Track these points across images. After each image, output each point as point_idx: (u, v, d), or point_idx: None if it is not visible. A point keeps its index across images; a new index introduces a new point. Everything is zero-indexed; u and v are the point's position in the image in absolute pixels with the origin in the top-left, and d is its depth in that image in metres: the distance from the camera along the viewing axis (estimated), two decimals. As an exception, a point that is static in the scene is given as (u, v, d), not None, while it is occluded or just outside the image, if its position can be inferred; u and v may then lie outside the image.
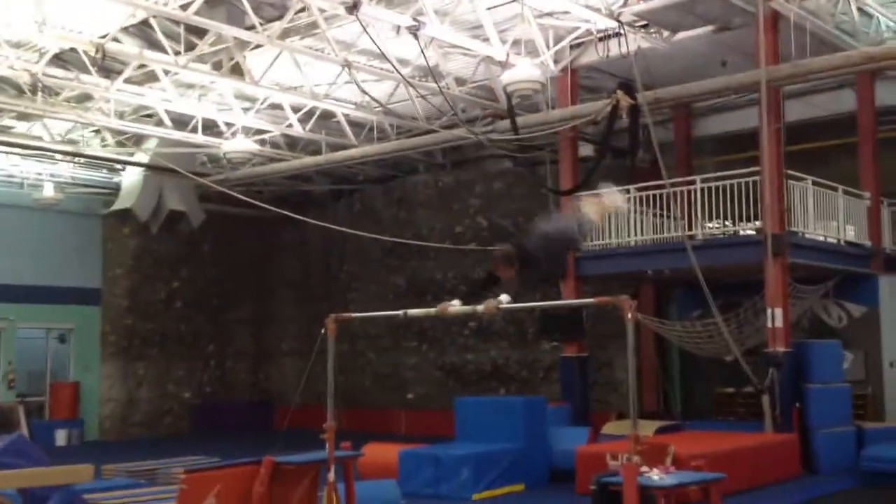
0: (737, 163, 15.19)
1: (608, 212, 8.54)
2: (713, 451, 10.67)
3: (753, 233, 13.77)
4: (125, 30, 13.39)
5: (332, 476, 8.43)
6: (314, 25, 12.99)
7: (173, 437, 21.00)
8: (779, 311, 13.04)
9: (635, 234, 14.86)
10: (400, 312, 8.24)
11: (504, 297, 7.06)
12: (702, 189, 14.04)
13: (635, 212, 14.62)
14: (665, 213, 14.54)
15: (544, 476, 12.45)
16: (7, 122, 17.41)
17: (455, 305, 7.41)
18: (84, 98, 16.19)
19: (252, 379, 24.48)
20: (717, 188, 13.85)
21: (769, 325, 13.12)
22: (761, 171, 13.26)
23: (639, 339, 15.82)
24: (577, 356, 15.33)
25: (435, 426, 17.55)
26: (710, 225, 14.46)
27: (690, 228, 14.16)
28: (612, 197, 8.03)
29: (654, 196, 14.48)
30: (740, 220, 13.79)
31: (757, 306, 13.77)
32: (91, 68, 14.39)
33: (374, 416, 20.81)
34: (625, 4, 12.29)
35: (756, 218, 13.57)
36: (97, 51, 13.02)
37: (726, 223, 14.30)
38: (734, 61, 14.17)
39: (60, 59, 14.62)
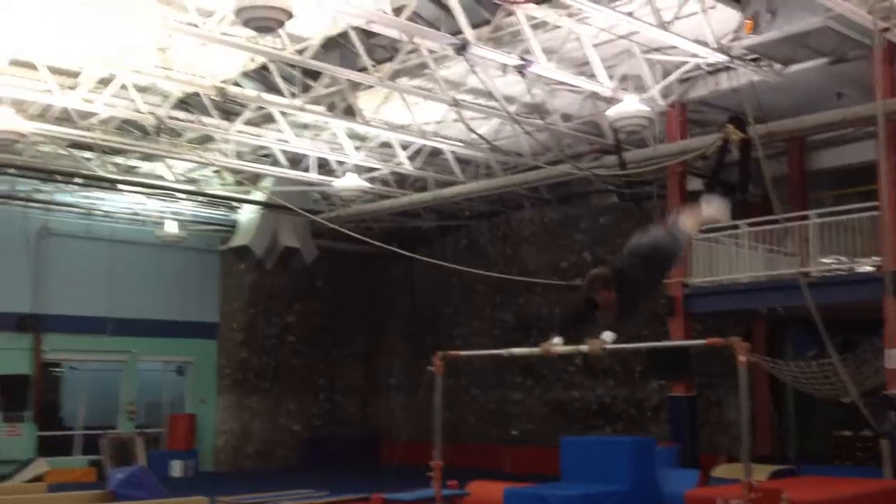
0: (854, 197, 14.75)
1: (707, 223, 8.04)
2: (830, 498, 10.31)
3: (872, 269, 13.30)
4: (245, 74, 14.01)
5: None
6: (423, 66, 13.31)
7: (284, 470, 21.39)
8: (899, 352, 12.54)
9: (747, 271, 14.53)
10: (504, 352, 8.27)
11: (608, 336, 6.70)
12: (817, 224, 13.67)
13: (747, 247, 14.33)
14: (778, 248, 14.20)
15: (653, 519, 12.23)
16: (133, 162, 18.32)
17: (558, 345, 7.10)
18: (205, 139, 16.93)
19: (361, 413, 24.80)
20: (833, 223, 13.46)
21: (889, 366, 12.61)
22: (880, 205, 12.83)
23: (751, 378, 15.39)
24: (686, 395, 15.03)
25: (540, 463, 17.42)
26: (826, 261, 14.04)
27: (805, 265, 13.77)
28: (713, 208, 7.66)
29: (767, 232, 14.16)
30: (858, 256, 13.34)
31: (876, 346, 13.25)
32: (212, 111, 15.12)
33: (478, 451, 20.79)
34: (735, 38, 12.16)
35: (874, 254, 13.11)
36: (219, 94, 13.65)
37: (843, 259, 13.86)
38: (850, 94, 13.82)
39: (184, 103, 15.38)
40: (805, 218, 13.99)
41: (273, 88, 14.22)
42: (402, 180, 19.48)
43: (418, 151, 17.40)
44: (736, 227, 14.70)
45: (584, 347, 6.92)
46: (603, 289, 6.67)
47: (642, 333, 17.56)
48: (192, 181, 19.52)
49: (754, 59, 13.07)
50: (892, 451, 12.43)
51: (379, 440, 23.96)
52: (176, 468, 20.46)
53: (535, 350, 7.51)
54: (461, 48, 11.47)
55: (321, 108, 14.80)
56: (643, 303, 7.09)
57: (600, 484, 11.96)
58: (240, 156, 17.63)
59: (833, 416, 15.95)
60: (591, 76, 13.07)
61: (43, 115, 14.90)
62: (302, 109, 14.26)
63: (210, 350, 22.41)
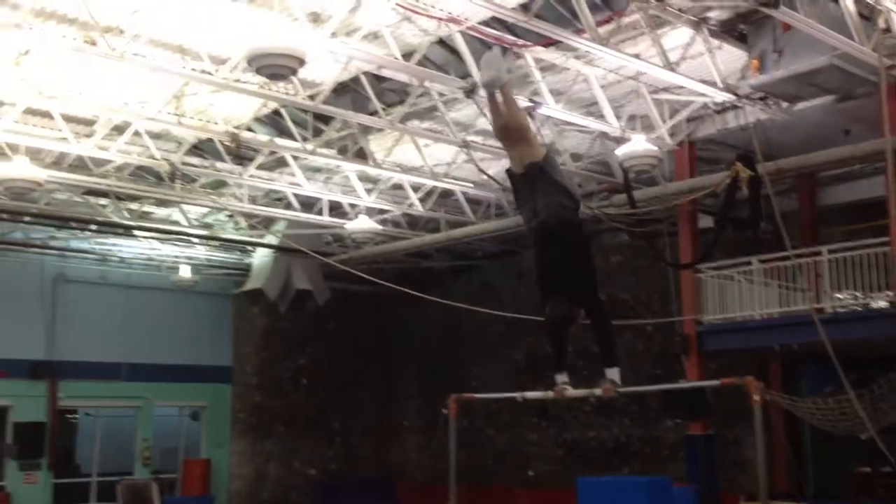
0: (866, 232, 14.72)
1: (518, 117, 6.01)
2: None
3: (886, 305, 13.25)
4: (257, 119, 14.20)
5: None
6: (433, 109, 13.48)
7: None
8: (915, 388, 12.45)
9: (760, 308, 14.50)
10: (518, 395, 8.25)
11: (614, 373, 6.37)
12: (829, 260, 13.65)
13: (759, 284, 14.31)
14: (791, 285, 14.17)
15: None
16: (147, 208, 18.50)
17: (568, 386, 6.82)
18: (219, 184, 17.11)
19: (376, 455, 24.67)
20: (845, 259, 13.44)
21: (906, 401, 12.52)
22: (891, 241, 12.82)
23: (768, 416, 15.26)
24: (703, 434, 14.92)
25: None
26: (840, 296, 13.99)
27: (818, 301, 13.73)
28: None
29: (779, 268, 14.15)
30: (871, 291, 13.30)
31: (893, 382, 13.15)
32: (226, 156, 15.30)
33: (494, 493, 20.64)
34: (742, 77, 12.28)
35: (888, 288, 13.07)
36: (232, 140, 13.84)
37: (856, 294, 13.81)
38: (858, 130, 13.87)
39: (197, 149, 15.57)
40: (817, 254, 13.97)
41: (285, 133, 14.41)
42: (413, 222, 19.59)
43: (429, 193, 17.53)
44: (748, 263, 14.72)
45: (597, 392, 6.85)
46: (571, 323, 6.13)
47: (656, 373, 17.59)
48: (206, 226, 19.68)
49: (761, 98, 13.17)
50: (912, 488, 12.30)
51: (394, 482, 23.81)
52: (192, 514, 20.43)
53: (548, 394, 7.46)
54: (470, 91, 11.63)
55: (333, 152, 14.97)
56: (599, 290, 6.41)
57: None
58: (253, 200, 17.78)
59: (851, 453, 15.78)
60: (600, 116, 13.20)
61: (58, 162, 15.10)
62: (314, 153, 14.41)
63: (224, 394, 22.41)
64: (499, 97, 5.90)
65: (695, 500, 13.97)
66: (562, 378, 6.81)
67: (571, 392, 7.05)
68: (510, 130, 5.97)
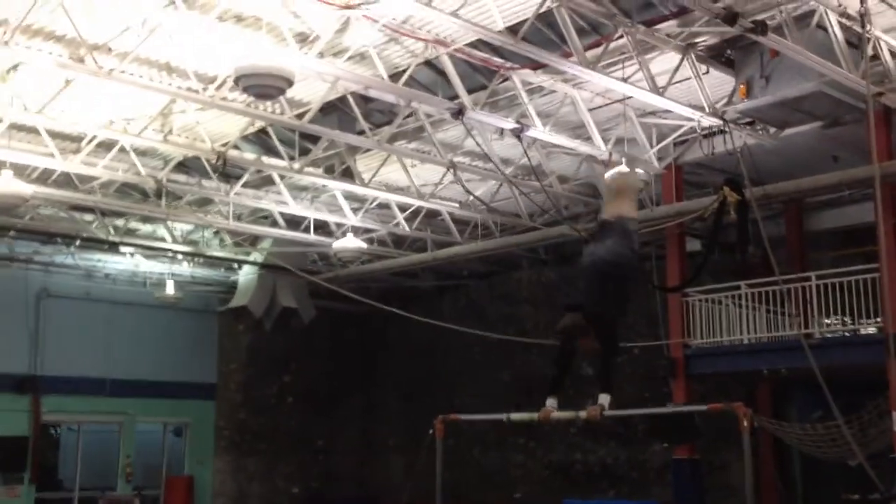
0: (855, 257, 14.75)
1: (635, 194, 7.41)
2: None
3: (874, 331, 13.24)
4: (244, 137, 14.12)
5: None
6: (421, 130, 13.44)
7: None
8: (904, 414, 12.42)
9: (748, 332, 14.48)
10: (503, 417, 8.19)
11: (604, 399, 6.66)
12: (818, 285, 13.64)
13: (748, 308, 14.28)
14: (779, 309, 14.15)
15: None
16: (133, 224, 18.38)
17: (555, 408, 7.00)
18: (204, 202, 17.01)
19: (359, 474, 24.50)
20: (834, 284, 13.43)
21: (895, 428, 12.47)
22: (880, 267, 12.82)
23: (756, 440, 15.23)
24: (690, 458, 14.84)
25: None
26: (828, 322, 13.98)
27: (807, 326, 13.71)
28: (627, 174, 7.33)
29: (767, 293, 14.13)
30: (860, 316, 13.29)
31: (881, 408, 13.13)
32: (212, 174, 15.21)
33: (480, 515, 20.49)
34: (729, 102, 12.27)
35: (877, 314, 13.06)
36: (218, 158, 13.75)
37: (845, 320, 13.80)
38: (847, 156, 13.89)
39: (183, 166, 15.48)
40: (806, 279, 13.96)
41: (272, 151, 14.33)
42: (400, 241, 19.53)
43: (416, 213, 17.46)
44: (737, 287, 14.69)
45: (582, 413, 6.93)
46: (581, 337, 6.65)
47: (643, 395, 17.52)
48: (191, 243, 19.56)
49: (749, 123, 13.19)
50: (901, 514, 12.25)
51: (378, 502, 23.64)
52: (175, 532, 20.23)
53: (533, 416, 7.45)
54: (458, 113, 11.60)
55: (320, 171, 14.90)
56: (619, 326, 6.80)
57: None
58: (239, 217, 17.68)
59: (840, 479, 15.73)
60: (587, 139, 13.17)
61: (44, 178, 14.98)
62: (300, 172, 14.34)
63: (208, 411, 22.24)
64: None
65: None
66: (551, 402, 7.07)
67: (557, 414, 7.13)
68: (625, 191, 7.19)
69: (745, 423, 6.41)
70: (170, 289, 20.76)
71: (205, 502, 21.71)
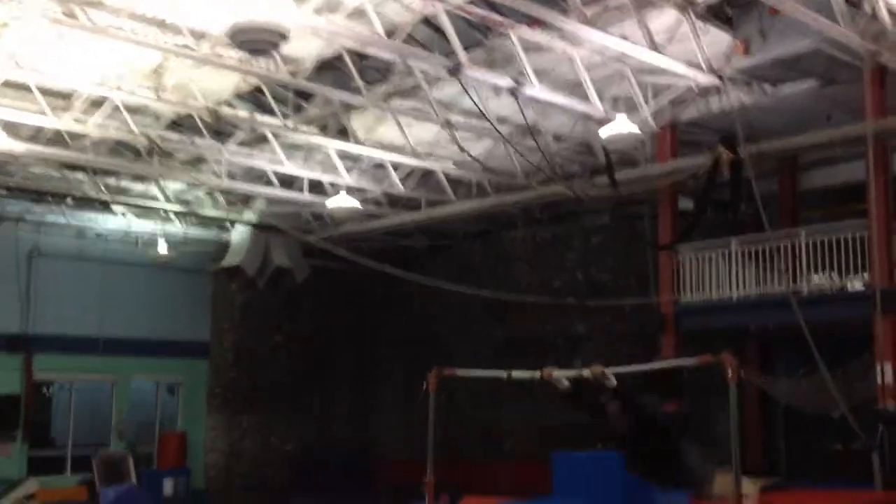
0: (845, 215, 14.85)
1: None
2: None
3: (862, 288, 13.39)
4: (238, 95, 14.04)
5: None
6: (416, 87, 13.38)
7: (276, 489, 21.31)
8: (889, 367, 12.62)
9: (738, 289, 14.61)
10: (504, 373, 8.29)
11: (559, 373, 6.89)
12: (808, 242, 13.76)
13: (737, 265, 14.41)
14: (769, 266, 14.27)
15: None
16: (125, 183, 18.30)
17: (557, 371, 7.25)
18: (197, 160, 16.94)
19: (353, 432, 24.70)
20: (823, 242, 13.55)
21: (879, 381, 12.69)
22: (869, 224, 12.94)
23: (742, 394, 15.45)
24: (678, 412, 15.03)
25: (533, 480, 17.36)
26: (817, 278, 14.12)
27: (796, 282, 13.85)
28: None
29: (758, 250, 14.25)
30: (848, 273, 13.43)
31: (866, 361, 13.34)
32: (205, 132, 15.14)
33: (472, 468, 20.70)
34: (727, 61, 12.27)
35: (864, 270, 13.21)
36: (211, 116, 13.68)
37: (833, 277, 13.93)
38: (839, 116, 13.94)
39: (176, 124, 15.39)
40: (795, 236, 14.08)
41: (266, 110, 14.25)
42: (394, 200, 19.51)
43: (411, 172, 17.45)
44: (726, 243, 14.80)
45: (585, 372, 7.04)
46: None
47: (633, 353, 17.67)
48: (184, 202, 19.51)
49: (745, 82, 13.19)
50: (881, 464, 12.48)
51: (371, 459, 23.89)
52: (168, 486, 20.30)
53: (535, 374, 7.57)
54: (454, 70, 11.56)
55: (314, 130, 14.84)
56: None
57: (592, 498, 11.96)
58: (232, 176, 17.62)
59: (824, 431, 15.99)
60: (584, 98, 13.16)
61: (35, 136, 14.88)
62: (294, 130, 14.29)
63: (201, 369, 22.32)
64: None
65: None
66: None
67: (560, 373, 7.23)
68: None
69: (733, 374, 6.50)
70: (162, 248, 20.75)
71: (198, 458, 21.89)
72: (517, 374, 8.22)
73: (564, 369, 7.46)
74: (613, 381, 6.83)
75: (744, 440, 15.56)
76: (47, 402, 22.10)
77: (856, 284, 13.60)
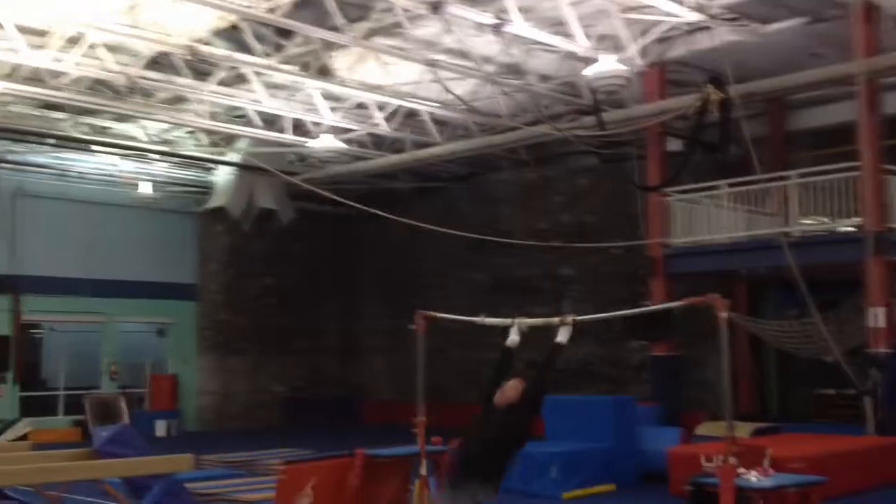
0: (834, 157, 14.67)
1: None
2: (812, 455, 10.37)
3: (853, 230, 13.26)
4: (216, 34, 13.69)
5: (424, 469, 8.47)
6: (398, 25, 13.04)
7: (266, 429, 21.47)
8: (881, 311, 12.60)
9: (727, 231, 14.49)
10: (477, 319, 8.20)
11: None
12: (797, 185, 13.61)
13: (726, 207, 14.27)
14: (758, 209, 14.14)
15: (634, 476, 12.25)
16: (105, 123, 18.02)
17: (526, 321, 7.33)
18: (178, 100, 16.64)
19: (341, 373, 24.83)
20: (813, 184, 13.40)
21: (870, 325, 12.65)
22: (860, 166, 12.78)
23: (733, 338, 15.41)
24: (668, 355, 15.06)
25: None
26: (807, 221, 13.99)
27: (786, 225, 13.73)
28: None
29: (747, 192, 14.10)
30: (838, 216, 13.31)
31: (857, 305, 13.27)
32: (184, 71, 14.82)
33: (457, 411, 20.69)
34: (714, -3, 11.98)
35: (855, 214, 13.08)
36: (189, 53, 13.36)
37: (823, 220, 13.81)
38: (827, 54, 13.67)
39: (155, 63, 15.05)
40: (785, 178, 13.91)
41: (246, 49, 13.92)
42: (379, 142, 19.27)
43: (394, 112, 17.17)
44: (715, 187, 14.64)
45: (556, 320, 6.97)
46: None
47: (622, 296, 17.64)
48: (166, 142, 19.26)
49: (733, 18, 12.89)
50: (873, 409, 12.51)
51: (360, 400, 24.05)
52: (160, 428, 20.56)
53: (506, 321, 7.50)
54: (436, 7, 11.29)
55: (294, 68, 14.53)
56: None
57: (583, 441, 12.05)
58: (214, 116, 17.34)
59: (815, 375, 16.02)
60: (569, 36, 12.86)
61: (12, 74, 14.58)
62: (275, 69, 13.99)
63: (190, 311, 22.34)
64: None
65: (659, 419, 14.13)
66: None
67: (529, 322, 7.18)
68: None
69: (722, 314, 6.36)
70: (146, 189, 20.55)
71: (190, 400, 22.01)
72: (490, 321, 8.10)
73: (539, 317, 7.33)
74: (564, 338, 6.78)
75: (735, 384, 15.64)
76: (37, 343, 22.08)
77: (847, 227, 13.46)
